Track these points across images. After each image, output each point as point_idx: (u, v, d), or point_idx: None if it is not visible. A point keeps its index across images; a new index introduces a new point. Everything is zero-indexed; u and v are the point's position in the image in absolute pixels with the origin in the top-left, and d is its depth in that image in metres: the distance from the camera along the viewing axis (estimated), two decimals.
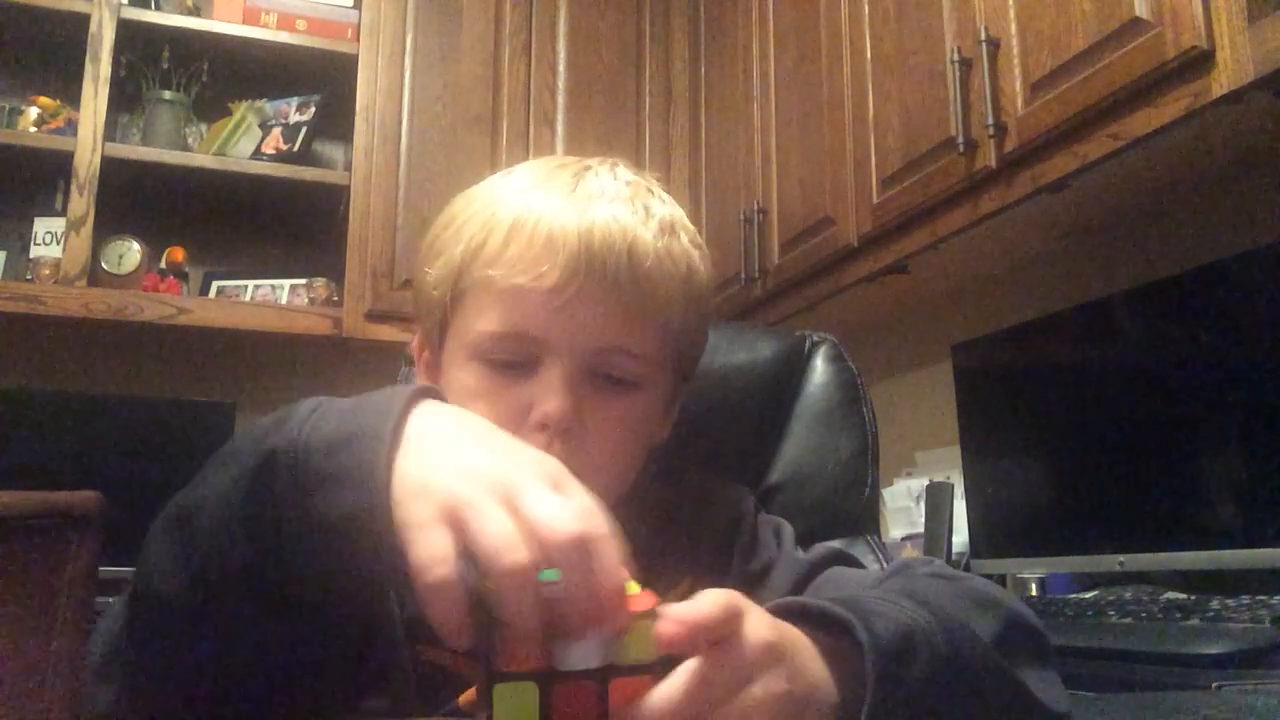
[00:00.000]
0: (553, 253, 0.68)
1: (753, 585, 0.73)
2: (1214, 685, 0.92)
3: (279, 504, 0.50)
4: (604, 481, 0.69)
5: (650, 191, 0.74)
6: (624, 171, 0.75)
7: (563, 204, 0.70)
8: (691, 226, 0.76)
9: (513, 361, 0.69)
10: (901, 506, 2.17)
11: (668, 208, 0.74)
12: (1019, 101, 1.53)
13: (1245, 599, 1.27)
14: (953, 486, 1.92)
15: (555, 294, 0.68)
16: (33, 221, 2.47)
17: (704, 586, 0.72)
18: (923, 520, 1.98)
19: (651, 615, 0.43)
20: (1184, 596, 1.39)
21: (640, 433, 0.73)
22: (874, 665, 0.47)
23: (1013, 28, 1.55)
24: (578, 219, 0.69)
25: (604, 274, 0.68)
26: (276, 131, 2.62)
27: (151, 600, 0.54)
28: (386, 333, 2.47)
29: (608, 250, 0.68)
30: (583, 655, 0.42)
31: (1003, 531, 1.83)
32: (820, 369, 1.03)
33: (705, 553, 0.76)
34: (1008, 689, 0.54)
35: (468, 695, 0.55)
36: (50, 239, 2.44)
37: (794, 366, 1.03)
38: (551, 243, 0.68)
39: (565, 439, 0.68)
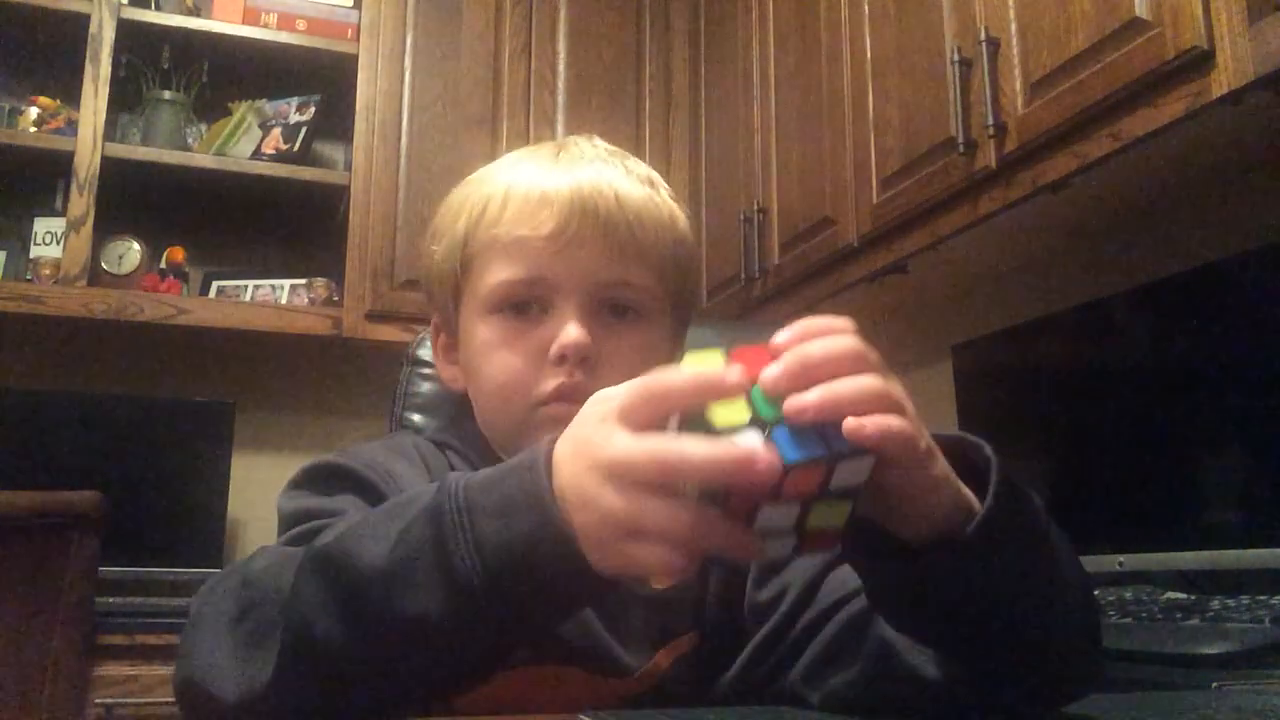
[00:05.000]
0: (547, 204, 0.75)
1: (773, 570, 0.73)
2: (1214, 685, 0.92)
3: (449, 547, 0.49)
4: None
5: (626, 156, 0.82)
6: (601, 142, 0.82)
7: (550, 167, 0.78)
8: (668, 187, 0.83)
9: (525, 308, 0.76)
10: None
11: (644, 168, 0.82)
12: (1019, 101, 1.53)
13: (1245, 599, 1.27)
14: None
15: (555, 239, 0.75)
16: (33, 221, 2.47)
17: (722, 564, 0.73)
18: None
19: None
20: (1184, 596, 1.39)
21: (651, 363, 0.77)
22: (998, 474, 0.51)
23: (1013, 28, 1.55)
24: (566, 176, 0.77)
25: (596, 217, 0.75)
26: (276, 131, 2.63)
27: (310, 646, 0.51)
28: (386, 333, 2.47)
29: (597, 196, 0.76)
30: None
31: None
32: None
33: None
34: (1085, 593, 0.59)
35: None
36: (50, 239, 2.44)
37: None
38: (545, 197, 0.76)
39: (584, 368, 0.73)
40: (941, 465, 0.50)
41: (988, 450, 0.53)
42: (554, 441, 0.50)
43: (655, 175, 0.82)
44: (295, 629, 0.51)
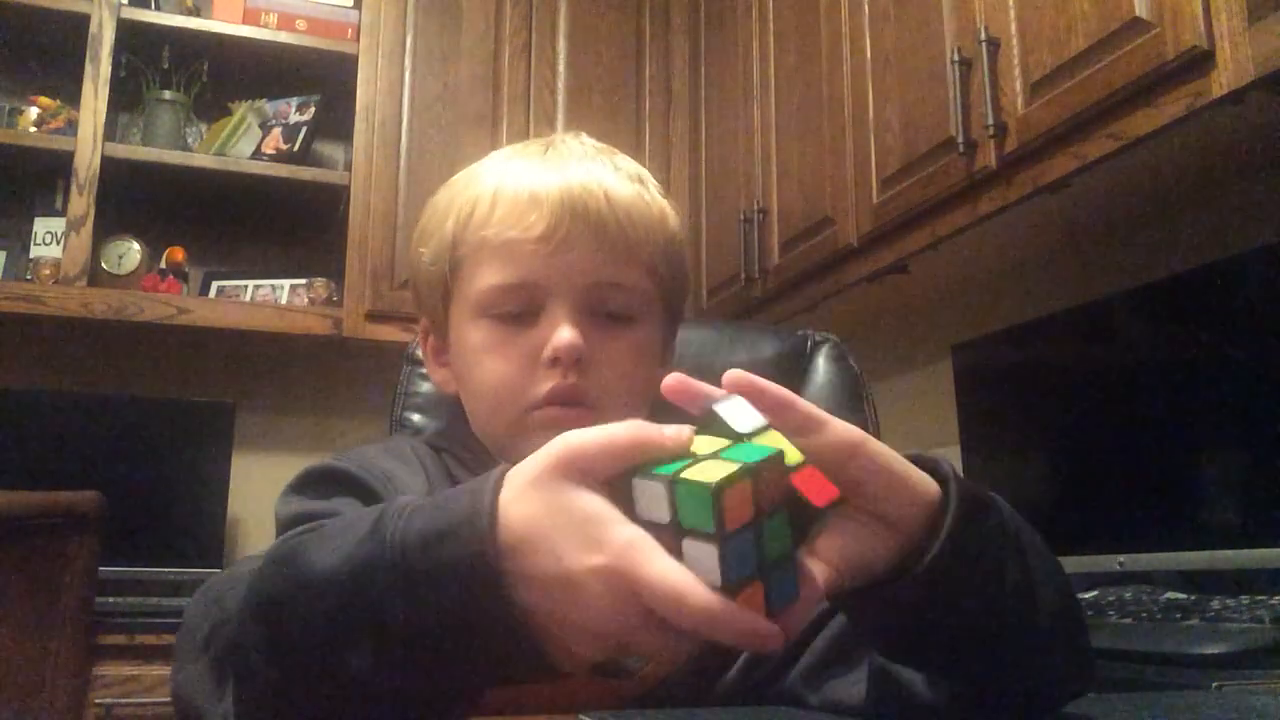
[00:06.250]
0: (537, 205, 0.74)
1: None
2: (1214, 685, 0.92)
3: (382, 608, 0.46)
4: (619, 411, 0.73)
5: (614, 153, 0.81)
6: (588, 139, 0.81)
7: (539, 166, 0.76)
8: (657, 183, 0.82)
9: (517, 312, 0.74)
10: None
11: (633, 165, 0.81)
12: (1019, 101, 1.53)
13: (1245, 599, 1.27)
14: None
15: (545, 241, 0.73)
16: (33, 221, 2.47)
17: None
18: None
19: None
20: (1184, 596, 1.39)
21: (644, 364, 0.78)
22: (956, 489, 0.50)
23: (1013, 28, 1.55)
24: (556, 175, 0.75)
25: (587, 218, 0.74)
26: (276, 131, 2.62)
27: (251, 680, 0.50)
28: (386, 333, 2.47)
29: (588, 196, 0.74)
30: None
31: None
32: (823, 368, 1.03)
33: None
34: (1063, 591, 0.57)
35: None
36: (50, 239, 2.44)
37: (796, 366, 1.03)
38: (535, 198, 0.74)
39: (578, 370, 0.72)
40: (881, 448, 0.49)
41: (946, 466, 0.51)
42: (498, 488, 0.46)
43: (644, 172, 0.81)
44: (240, 667, 0.50)
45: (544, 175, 0.75)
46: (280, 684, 0.49)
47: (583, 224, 0.74)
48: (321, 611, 0.47)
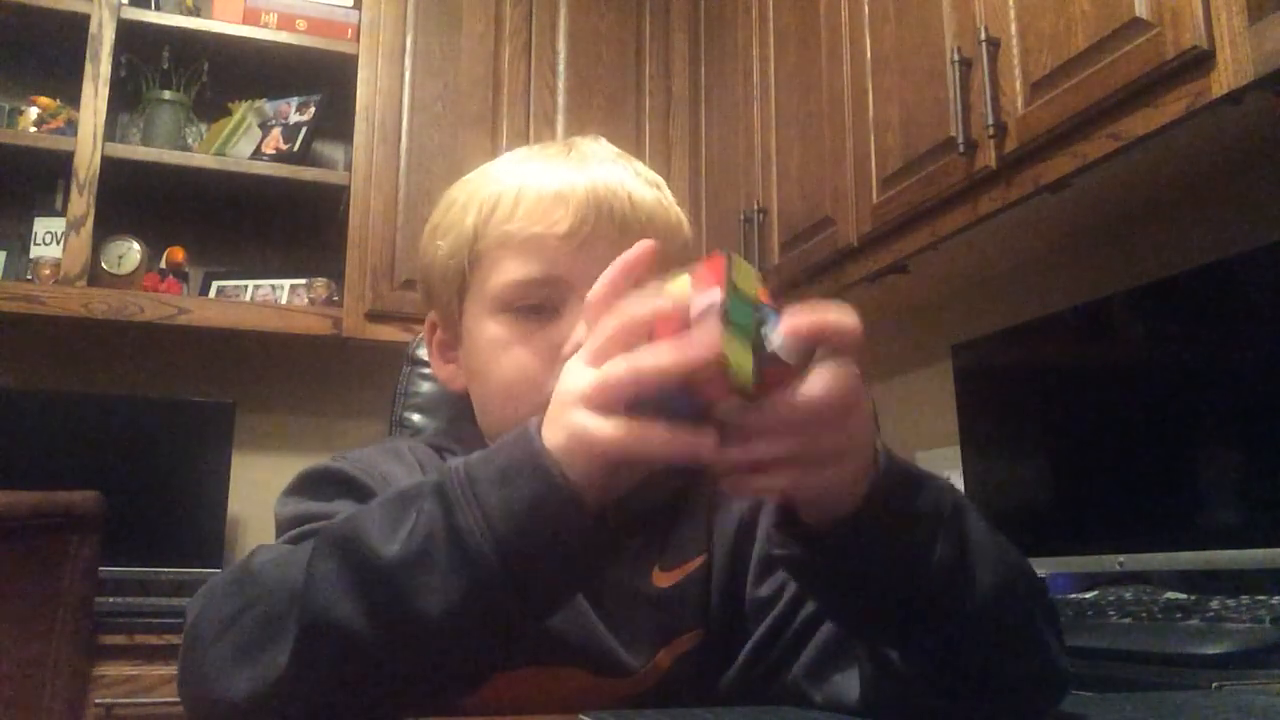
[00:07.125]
0: (563, 202, 0.75)
1: (774, 566, 0.73)
2: (1214, 685, 0.92)
3: (459, 524, 0.50)
4: None
5: (633, 160, 0.82)
6: (607, 143, 0.83)
7: (563, 165, 0.78)
8: (670, 192, 0.84)
9: (538, 306, 0.75)
10: None
11: (651, 172, 0.83)
12: (1019, 101, 1.53)
13: (1245, 599, 1.27)
14: (953, 486, 1.91)
15: (570, 238, 0.74)
16: (33, 221, 2.47)
17: (724, 554, 0.74)
18: None
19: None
20: (1184, 596, 1.39)
21: None
22: (885, 459, 0.54)
23: (1013, 28, 1.55)
24: (581, 175, 0.76)
25: (611, 217, 0.75)
26: (276, 131, 2.63)
27: (327, 631, 0.51)
28: (386, 333, 2.47)
29: (612, 196, 0.75)
30: None
31: (1002, 531, 1.82)
32: None
33: (729, 521, 0.78)
34: (1016, 589, 0.59)
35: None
36: (50, 239, 2.44)
37: None
38: (561, 195, 0.75)
39: None
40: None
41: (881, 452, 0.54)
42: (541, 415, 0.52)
43: (660, 179, 0.82)
44: (313, 614, 0.51)
45: (569, 174, 0.76)
46: (365, 623, 0.50)
47: (607, 222, 0.75)
48: (400, 546, 0.50)
